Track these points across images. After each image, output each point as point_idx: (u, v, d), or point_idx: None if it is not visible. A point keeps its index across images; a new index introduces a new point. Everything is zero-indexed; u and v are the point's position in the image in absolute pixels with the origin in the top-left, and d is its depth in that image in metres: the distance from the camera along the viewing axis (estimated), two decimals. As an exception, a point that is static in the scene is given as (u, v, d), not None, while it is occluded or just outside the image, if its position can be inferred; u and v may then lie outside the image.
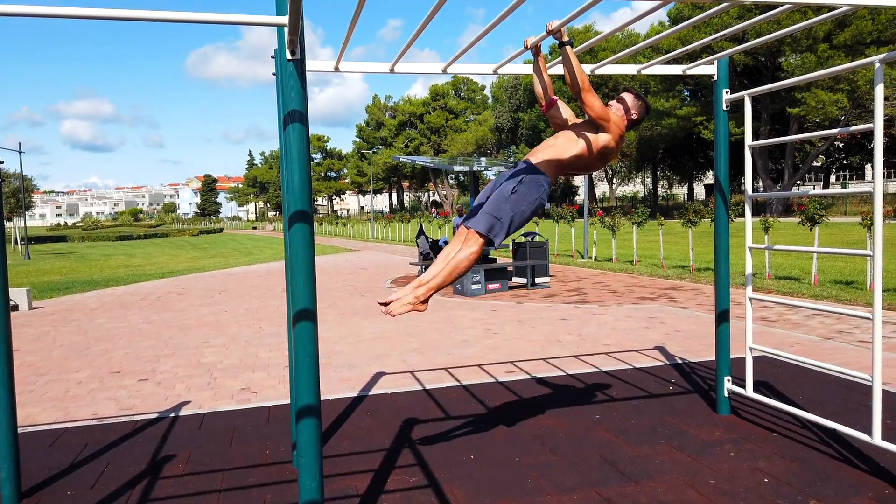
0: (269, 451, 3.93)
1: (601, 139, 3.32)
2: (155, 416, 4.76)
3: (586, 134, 3.34)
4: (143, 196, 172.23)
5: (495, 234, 3.13)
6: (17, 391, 5.17)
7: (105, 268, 21.57)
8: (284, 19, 2.22)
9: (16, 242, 37.65)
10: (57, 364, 6.71)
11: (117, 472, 3.66)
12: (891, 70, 26.70)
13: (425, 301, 3.09)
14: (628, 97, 3.51)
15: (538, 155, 3.34)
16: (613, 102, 3.51)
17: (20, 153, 30.05)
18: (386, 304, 3.06)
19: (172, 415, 4.76)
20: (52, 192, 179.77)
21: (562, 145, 3.34)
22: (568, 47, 3.11)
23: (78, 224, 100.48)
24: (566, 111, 3.56)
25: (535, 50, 3.41)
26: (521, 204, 3.17)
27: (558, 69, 4.00)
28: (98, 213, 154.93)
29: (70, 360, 6.86)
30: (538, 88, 3.56)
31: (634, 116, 3.49)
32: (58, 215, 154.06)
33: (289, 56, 2.34)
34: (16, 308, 10.86)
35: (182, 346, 7.42)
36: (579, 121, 3.49)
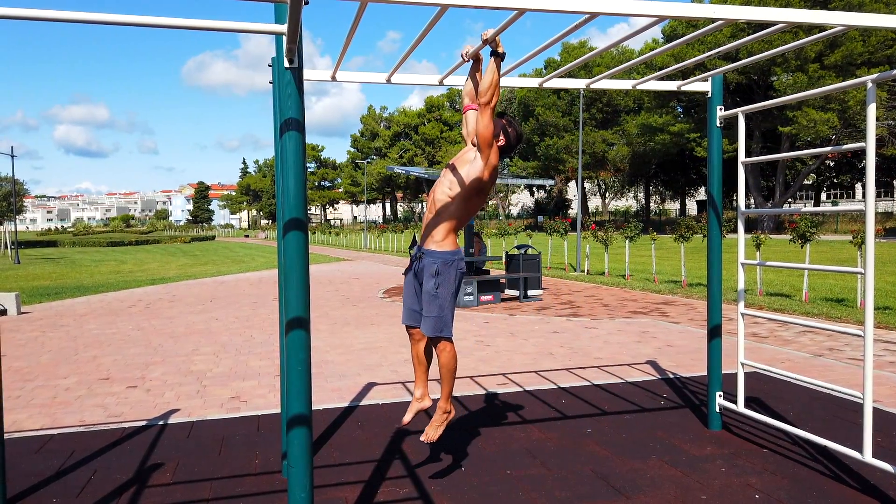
0: (259, 461, 3.90)
1: (473, 171, 3.28)
2: (143, 423, 4.71)
3: (459, 176, 3.31)
4: (136, 202, 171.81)
5: (444, 328, 3.35)
6: (4, 396, 5.13)
7: (95, 273, 21.44)
8: (283, 27, 2.23)
9: (6, 247, 37.42)
10: (45, 370, 6.64)
11: (104, 480, 3.63)
12: (881, 91, 27.00)
13: (448, 411, 3.48)
14: (497, 122, 3.34)
15: (432, 237, 3.35)
16: None
17: (13, 157, 29.91)
18: (427, 439, 3.45)
19: (161, 423, 4.72)
20: (44, 196, 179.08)
21: (443, 208, 3.33)
22: (499, 59, 3.14)
23: (69, 229, 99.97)
24: (472, 124, 3.48)
25: (480, 57, 3.38)
26: (448, 288, 3.37)
27: (553, 83, 4.03)
28: (89, 218, 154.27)
29: (58, 366, 6.79)
30: (469, 89, 3.48)
31: (501, 143, 3.38)
32: (49, 220, 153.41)
33: (287, 64, 2.34)
34: (4, 313, 10.78)
35: (172, 354, 7.37)
36: (461, 163, 3.38)
